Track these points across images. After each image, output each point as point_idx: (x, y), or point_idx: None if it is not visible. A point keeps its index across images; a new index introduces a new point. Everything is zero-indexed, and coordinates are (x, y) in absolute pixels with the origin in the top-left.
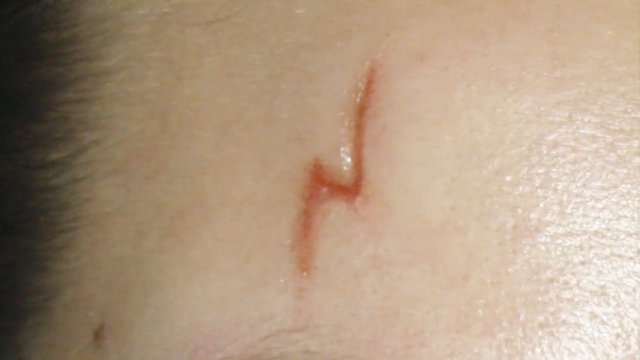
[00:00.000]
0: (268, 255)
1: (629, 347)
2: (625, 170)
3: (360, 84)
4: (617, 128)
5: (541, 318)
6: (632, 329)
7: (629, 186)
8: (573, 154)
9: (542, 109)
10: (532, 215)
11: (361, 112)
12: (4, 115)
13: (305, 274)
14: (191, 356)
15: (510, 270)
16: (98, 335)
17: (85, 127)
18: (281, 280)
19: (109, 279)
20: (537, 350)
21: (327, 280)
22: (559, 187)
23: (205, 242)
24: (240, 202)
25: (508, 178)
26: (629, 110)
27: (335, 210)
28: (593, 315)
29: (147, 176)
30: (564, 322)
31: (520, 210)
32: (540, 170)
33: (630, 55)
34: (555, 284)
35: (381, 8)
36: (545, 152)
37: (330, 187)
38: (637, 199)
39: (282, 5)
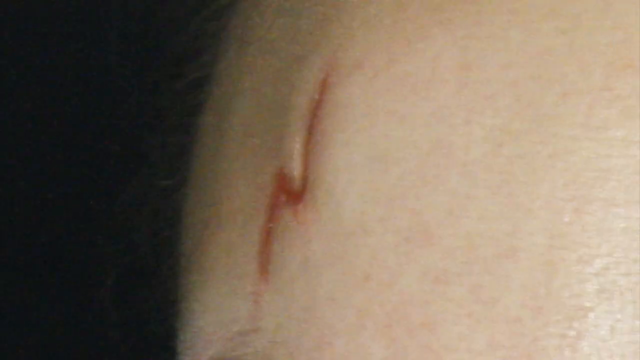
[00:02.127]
0: (244, 263)
1: (502, 345)
2: (509, 170)
3: (316, 95)
4: (507, 130)
5: (423, 317)
6: (503, 330)
7: (511, 187)
8: (465, 156)
9: (444, 112)
10: (424, 218)
11: (313, 121)
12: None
13: (263, 278)
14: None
15: (403, 271)
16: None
17: (191, 142)
18: (248, 286)
19: (178, 287)
20: (418, 347)
21: (274, 284)
22: (450, 189)
23: (213, 251)
24: (235, 212)
25: (408, 181)
26: (520, 112)
27: (285, 217)
28: (470, 314)
29: (200, 189)
30: (443, 321)
31: (415, 213)
32: (435, 173)
33: (531, 60)
34: (439, 284)
35: (344, 17)
36: (440, 154)
37: (286, 195)
38: (517, 200)
39: (293, 19)
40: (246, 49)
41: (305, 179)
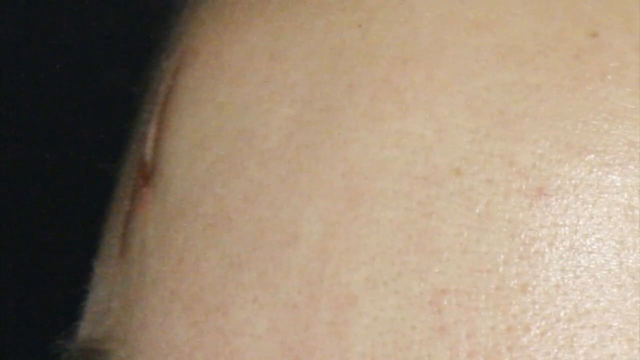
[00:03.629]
0: (112, 245)
1: (279, 331)
2: (298, 159)
3: (170, 82)
4: (298, 120)
5: (219, 300)
6: (282, 316)
7: (297, 175)
8: (263, 144)
9: (252, 101)
10: (225, 203)
11: (162, 108)
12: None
13: (120, 260)
14: (73, 340)
15: (206, 255)
16: None
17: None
18: (110, 268)
19: None
20: (213, 330)
21: (123, 266)
22: (248, 176)
23: (104, 234)
24: (117, 195)
25: (217, 168)
26: (312, 102)
27: (137, 199)
28: (255, 299)
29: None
30: (233, 304)
31: (220, 199)
32: (237, 161)
33: (326, 51)
34: (233, 268)
35: (199, 9)
36: (243, 142)
37: (143, 178)
38: (301, 188)
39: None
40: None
41: (153, 164)
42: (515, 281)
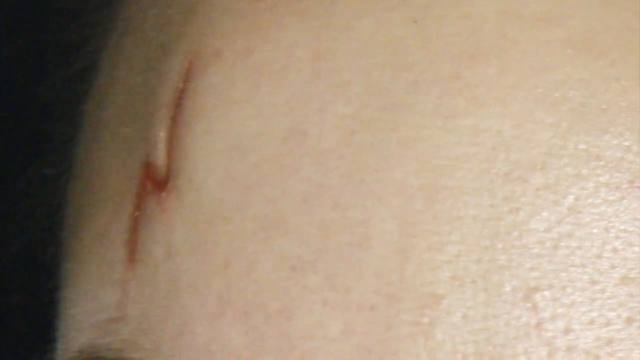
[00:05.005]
0: (113, 250)
1: (356, 333)
2: (362, 158)
3: (180, 83)
4: (358, 118)
5: (280, 304)
6: (357, 318)
7: (363, 175)
8: (318, 144)
9: (297, 101)
10: (281, 205)
11: (176, 110)
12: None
13: (130, 266)
14: (63, 348)
15: (260, 259)
16: None
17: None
18: (116, 274)
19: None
20: (276, 334)
21: (140, 272)
22: (304, 177)
23: (86, 239)
24: (107, 200)
25: (264, 169)
26: (372, 100)
27: (150, 205)
28: (324, 302)
29: (76, 178)
30: (299, 308)
31: (272, 200)
32: (289, 161)
33: (381, 48)
34: (295, 271)
35: (206, 7)
36: (294, 143)
37: (152, 183)
38: (369, 187)
39: (164, 8)
40: (124, 39)
41: (168, 167)
42: (611, 274)
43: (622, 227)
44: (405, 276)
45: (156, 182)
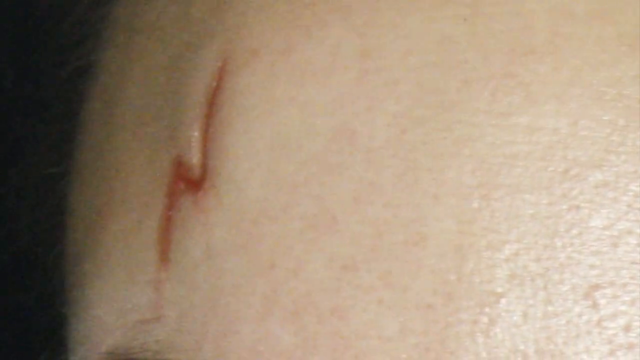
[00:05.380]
0: (142, 250)
1: (412, 332)
2: (414, 157)
3: (214, 82)
4: (410, 116)
5: (333, 304)
6: (414, 317)
7: (416, 173)
8: (368, 143)
9: (345, 100)
10: (329, 204)
11: (210, 109)
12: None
13: (163, 266)
14: (88, 349)
15: (309, 258)
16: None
17: (76, 131)
18: (147, 274)
19: (66, 275)
20: (329, 334)
21: (176, 272)
22: (354, 176)
23: (107, 239)
24: (132, 200)
25: (311, 168)
26: (423, 98)
27: (185, 205)
28: (380, 301)
29: (90, 178)
30: (353, 307)
31: (320, 199)
32: (339, 160)
33: (431, 46)
34: (347, 270)
35: (238, 6)
36: (344, 142)
37: (185, 182)
38: (423, 186)
39: (184, 7)
40: (134, 37)
41: (204, 166)
42: None
43: None
44: (463, 275)
45: (190, 181)
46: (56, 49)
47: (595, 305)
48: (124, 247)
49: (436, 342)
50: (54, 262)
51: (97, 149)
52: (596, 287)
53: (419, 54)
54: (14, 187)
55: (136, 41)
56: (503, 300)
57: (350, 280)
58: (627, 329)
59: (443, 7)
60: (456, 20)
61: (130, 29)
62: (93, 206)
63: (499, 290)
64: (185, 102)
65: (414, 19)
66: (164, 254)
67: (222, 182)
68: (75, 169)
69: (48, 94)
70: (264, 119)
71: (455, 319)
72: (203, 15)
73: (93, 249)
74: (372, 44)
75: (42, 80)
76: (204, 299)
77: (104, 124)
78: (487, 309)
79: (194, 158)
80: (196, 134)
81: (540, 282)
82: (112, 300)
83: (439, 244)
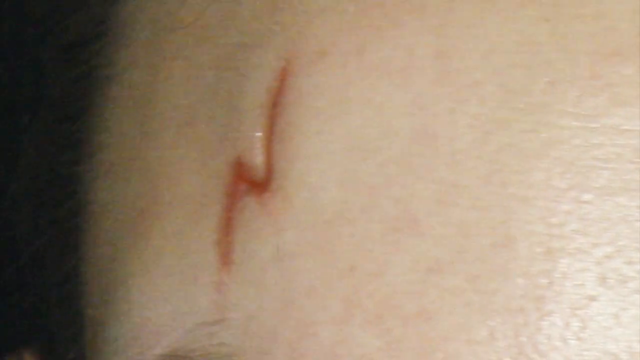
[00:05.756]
0: (199, 251)
1: (504, 335)
2: (500, 160)
3: (275, 82)
4: (494, 118)
5: (419, 307)
6: (504, 320)
7: (503, 175)
8: (451, 145)
9: (424, 101)
10: (412, 206)
11: (273, 110)
12: (29, 115)
13: (225, 268)
14: (138, 351)
15: (392, 261)
16: (90, 330)
17: (96, 130)
18: (207, 275)
19: (96, 277)
20: (415, 338)
21: (241, 274)
22: (438, 178)
23: (155, 240)
24: (183, 200)
25: (391, 170)
26: (507, 100)
27: (249, 206)
28: (467, 304)
29: (126, 178)
30: (440, 310)
31: (402, 201)
32: (420, 162)
33: (512, 47)
34: (432, 273)
35: (298, 6)
36: (425, 143)
37: (247, 183)
38: (511, 188)
39: (231, 6)
40: (168, 35)
41: (269, 167)
42: None
43: None
44: (554, 278)
45: (253, 182)
46: (70, 46)
47: None
48: (178, 249)
49: (528, 346)
50: (70, 264)
51: (131, 149)
52: None
53: (500, 54)
54: (21, 190)
55: (171, 40)
56: (595, 304)
57: (436, 282)
58: None
59: (523, 7)
60: (538, 20)
61: (160, 27)
62: (132, 206)
63: (591, 293)
64: (244, 103)
65: (492, 19)
66: (226, 256)
67: (291, 183)
68: (99, 169)
69: (57, 93)
70: (338, 120)
71: (547, 322)
72: (255, 14)
73: (137, 249)
74: (450, 45)
75: (51, 79)
76: (275, 302)
77: (138, 124)
78: (579, 312)
79: (257, 159)
80: (259, 134)
81: (632, 285)
82: (166, 301)
83: (528, 246)
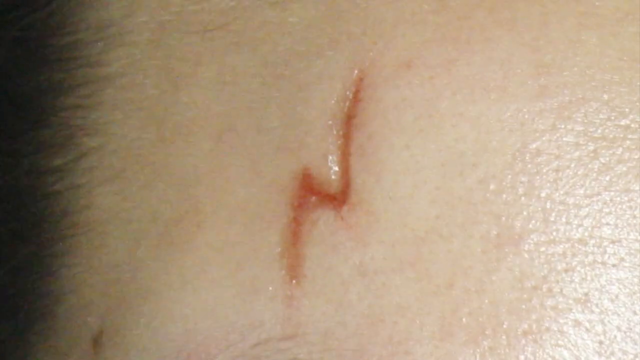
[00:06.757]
0: (258, 263)
1: (612, 354)
2: (608, 178)
3: (348, 92)
4: (600, 135)
5: (525, 326)
6: (615, 336)
7: (611, 193)
8: (556, 162)
9: (525, 117)
10: (515, 224)
11: (349, 121)
12: (9, 119)
13: (294, 282)
14: None
15: (494, 278)
16: (97, 341)
17: (85, 133)
18: (270, 288)
19: (107, 285)
20: (521, 357)
21: (316, 288)
22: (542, 195)
23: (198, 250)
24: (232, 210)
25: (492, 186)
26: (612, 117)
27: (323, 219)
28: (576, 323)
29: (143, 184)
30: (548, 330)
31: (503, 219)
32: (523, 179)
33: (614, 63)
34: (538, 291)
35: (370, 16)
36: (528, 160)
37: (318, 195)
38: (619, 206)
39: (276, 13)
40: (184, 38)
41: (346, 180)
42: None
43: None
44: None
45: (325, 195)
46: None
47: None
48: (229, 260)
49: None
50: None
51: (147, 155)
52: None
53: (602, 70)
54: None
55: (190, 42)
56: None
57: (542, 301)
58: None
59: (622, 22)
60: (636, 36)
61: (168, 27)
62: (158, 215)
63: None
64: (308, 113)
65: (591, 34)
66: (295, 269)
67: (376, 198)
68: (100, 174)
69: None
70: (428, 134)
71: None
72: (309, 23)
73: (172, 260)
74: (548, 60)
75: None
76: (359, 318)
77: (152, 128)
78: None
79: (330, 171)
80: (331, 146)
81: None
82: (215, 314)
83: (635, 266)
